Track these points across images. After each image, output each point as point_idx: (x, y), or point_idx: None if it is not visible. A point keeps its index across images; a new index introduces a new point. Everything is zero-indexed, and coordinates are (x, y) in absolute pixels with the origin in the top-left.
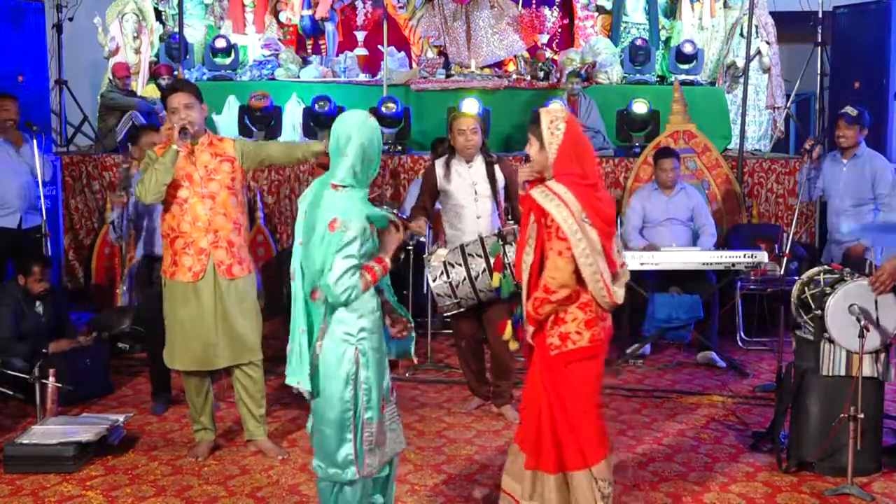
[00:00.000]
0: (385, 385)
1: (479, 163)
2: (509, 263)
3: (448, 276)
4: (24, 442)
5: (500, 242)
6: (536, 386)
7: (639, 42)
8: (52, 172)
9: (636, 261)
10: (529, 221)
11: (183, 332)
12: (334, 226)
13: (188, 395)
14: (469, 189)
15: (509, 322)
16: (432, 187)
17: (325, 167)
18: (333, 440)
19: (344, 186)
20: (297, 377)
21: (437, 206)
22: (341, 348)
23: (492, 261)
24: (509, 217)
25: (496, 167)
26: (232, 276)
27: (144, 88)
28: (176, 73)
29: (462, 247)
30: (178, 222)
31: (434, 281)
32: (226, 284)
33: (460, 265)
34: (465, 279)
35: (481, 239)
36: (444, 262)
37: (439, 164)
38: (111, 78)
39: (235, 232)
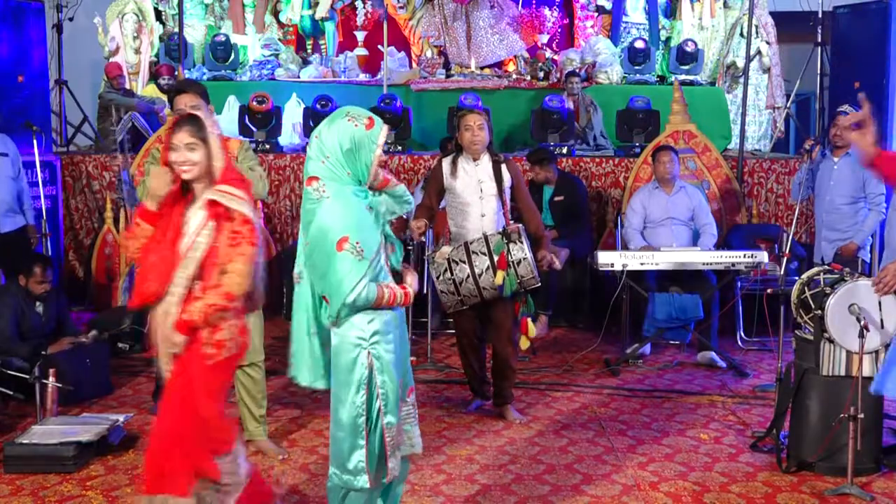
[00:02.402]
0: (405, 383)
1: (485, 161)
2: (513, 261)
3: (452, 273)
4: (24, 442)
5: (505, 241)
6: (172, 400)
7: (639, 42)
8: None
9: (636, 261)
10: (187, 232)
11: None
12: (343, 245)
13: None
14: (475, 187)
15: (528, 320)
16: (438, 185)
17: None
18: (346, 445)
19: (317, 179)
20: (310, 378)
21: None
22: (354, 353)
23: (495, 258)
24: (513, 216)
25: (503, 167)
26: None
27: (144, 88)
28: (176, 73)
29: (466, 244)
30: None
31: (438, 278)
32: None
33: (464, 262)
34: (468, 276)
35: (486, 237)
36: (448, 260)
37: (446, 162)
38: (106, 79)
39: None
